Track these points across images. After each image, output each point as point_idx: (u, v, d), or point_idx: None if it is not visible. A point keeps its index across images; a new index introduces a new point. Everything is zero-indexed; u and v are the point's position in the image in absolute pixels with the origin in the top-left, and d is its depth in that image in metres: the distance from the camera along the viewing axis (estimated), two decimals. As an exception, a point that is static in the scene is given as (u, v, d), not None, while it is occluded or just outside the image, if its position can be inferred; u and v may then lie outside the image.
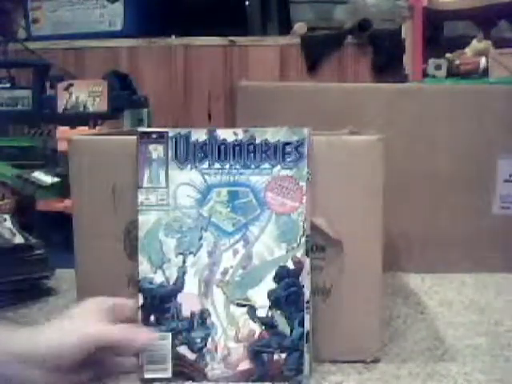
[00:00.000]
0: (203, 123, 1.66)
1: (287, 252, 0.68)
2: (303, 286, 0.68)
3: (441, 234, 1.13)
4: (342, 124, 0.98)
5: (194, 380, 0.68)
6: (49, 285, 1.00)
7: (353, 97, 1.15)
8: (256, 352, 0.68)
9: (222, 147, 0.69)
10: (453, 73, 1.33)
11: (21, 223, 1.08)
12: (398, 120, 1.12)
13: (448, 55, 1.37)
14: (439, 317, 0.90)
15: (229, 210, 0.69)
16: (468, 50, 1.36)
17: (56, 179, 1.25)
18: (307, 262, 0.69)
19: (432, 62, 1.35)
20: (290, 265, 0.68)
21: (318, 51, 1.59)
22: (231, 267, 0.69)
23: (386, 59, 1.51)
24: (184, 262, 0.69)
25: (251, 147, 0.69)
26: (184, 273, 0.69)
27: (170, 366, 0.68)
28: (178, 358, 0.68)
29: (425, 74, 1.36)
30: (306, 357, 0.68)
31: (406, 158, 1.10)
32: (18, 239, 0.96)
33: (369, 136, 0.72)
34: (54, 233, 1.22)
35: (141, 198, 0.69)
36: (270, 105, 1.15)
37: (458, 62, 1.35)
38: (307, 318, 0.68)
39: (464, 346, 0.79)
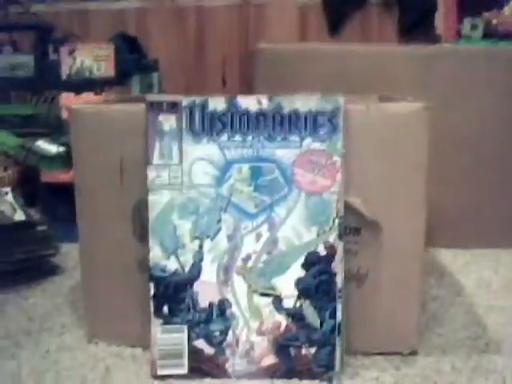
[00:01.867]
0: (217, 88, 1.57)
1: (318, 236, 0.61)
2: (335, 274, 0.61)
3: (476, 207, 1.05)
4: (369, 89, 0.89)
5: (212, 376, 0.61)
6: (54, 263, 0.94)
7: (380, 60, 1.05)
8: (282, 346, 0.61)
9: (244, 117, 0.61)
10: (490, 33, 1.22)
11: (24, 195, 1.01)
12: (430, 85, 1.02)
13: (485, 14, 1.26)
14: (477, 300, 0.83)
15: (251, 188, 0.61)
16: (507, 9, 1.25)
17: (61, 148, 1.18)
18: (340, 246, 0.61)
19: (467, 21, 1.24)
20: (322, 250, 0.61)
21: (340, 11, 1.48)
22: (254, 253, 0.61)
23: (414, 19, 1.40)
24: (200, 247, 0.61)
25: (278, 117, 0.61)
26: (201, 259, 0.61)
27: (185, 361, 0.61)
28: (194, 353, 0.61)
29: (459, 35, 1.25)
30: (338, 351, 0.61)
31: (440, 127, 1.00)
32: (19, 216, 0.89)
33: (413, 103, 0.63)
34: (59, 205, 1.15)
35: (151, 175, 0.62)
36: (290, 68, 1.06)
37: (495, 21, 1.24)
38: (339, 308, 0.61)
39: (508, 334, 0.72)
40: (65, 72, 1.25)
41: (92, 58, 1.25)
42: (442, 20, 1.33)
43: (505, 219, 1.05)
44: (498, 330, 0.73)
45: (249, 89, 1.28)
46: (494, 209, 1.05)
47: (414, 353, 0.66)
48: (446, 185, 1.04)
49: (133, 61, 1.30)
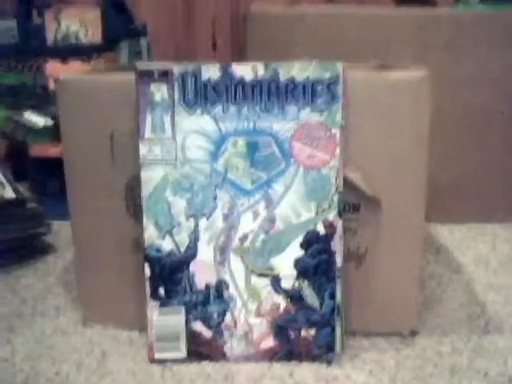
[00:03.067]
0: (207, 54, 1.52)
1: (317, 214, 0.58)
2: (335, 253, 0.59)
3: (472, 180, 1.03)
4: (364, 54, 0.85)
5: (211, 360, 0.60)
6: (45, 242, 0.91)
7: (377, 23, 1.02)
8: (281, 328, 0.60)
9: (239, 87, 0.58)
10: (488, -3, 1.18)
11: (13, 171, 0.98)
12: (428, 51, 0.99)
13: (483, -25, 1.21)
14: (475, 277, 0.81)
15: (247, 163, 0.59)
16: (507, -30, 1.20)
17: (49, 121, 1.14)
18: (340, 224, 0.59)
19: (465, -17, 1.19)
20: (321, 229, 0.58)
21: (335, -28, 1.42)
22: (251, 232, 0.59)
23: (412, -19, 1.35)
24: (196, 225, 0.59)
25: (274, 86, 0.57)
26: (196, 238, 0.59)
27: (183, 344, 0.60)
28: (192, 336, 0.60)
29: (456, -1, 1.22)
30: (338, 332, 0.60)
31: (437, 95, 0.97)
32: (8, 192, 0.86)
33: (415, 71, 0.60)
34: (49, 180, 1.12)
35: (143, 150, 0.59)
36: (284, 33, 1.02)
37: (494, -17, 1.19)
38: (339, 288, 0.59)
39: (508, 313, 0.71)
40: (50, 38, 1.19)
41: (78, 22, 1.19)
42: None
43: (502, 193, 1.03)
44: (497, 309, 0.72)
45: (241, 53, 1.24)
46: (490, 183, 1.03)
47: (413, 333, 0.65)
48: (442, 158, 1.01)
49: (121, 25, 1.24)
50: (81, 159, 0.64)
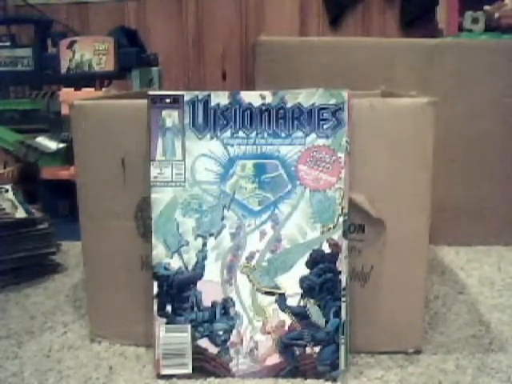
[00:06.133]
0: (217, 82, 1.56)
1: (322, 234, 0.60)
2: (340, 272, 0.60)
3: (478, 203, 1.04)
4: (370, 83, 0.88)
5: (216, 376, 0.61)
6: (55, 261, 0.93)
7: (382, 53, 1.05)
8: (286, 345, 0.60)
9: (247, 113, 0.60)
10: (491, 27, 1.21)
11: (25, 192, 1.01)
12: (432, 79, 1.01)
13: (486, 7, 1.24)
14: (480, 298, 0.82)
15: (255, 185, 0.60)
16: (508, 2, 1.24)
17: (61, 145, 1.17)
18: (345, 244, 0.60)
19: (469, 15, 1.22)
20: (326, 248, 0.60)
21: (340, 4, 1.47)
22: (258, 251, 0.61)
23: (416, 12, 1.39)
24: (204, 245, 0.61)
25: (281, 112, 0.60)
26: (204, 257, 0.61)
27: (189, 360, 0.61)
28: (198, 352, 0.61)
29: (460, 29, 1.24)
30: (342, 350, 0.60)
31: (441, 121, 0.99)
32: (20, 213, 0.88)
33: (418, 98, 0.62)
34: (60, 202, 1.15)
35: (154, 172, 0.61)
36: (291, 61, 1.05)
37: (497, 14, 1.22)
38: (344, 307, 0.60)
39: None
40: (64, 66, 1.23)
41: (92, 51, 1.23)
42: (443, 13, 1.31)
43: (508, 216, 1.05)
44: (501, 329, 0.72)
45: (249, 82, 1.28)
46: (496, 205, 1.05)
47: (418, 351, 0.66)
48: (448, 181, 1.03)
49: (133, 55, 1.28)
50: (93, 181, 0.66)
